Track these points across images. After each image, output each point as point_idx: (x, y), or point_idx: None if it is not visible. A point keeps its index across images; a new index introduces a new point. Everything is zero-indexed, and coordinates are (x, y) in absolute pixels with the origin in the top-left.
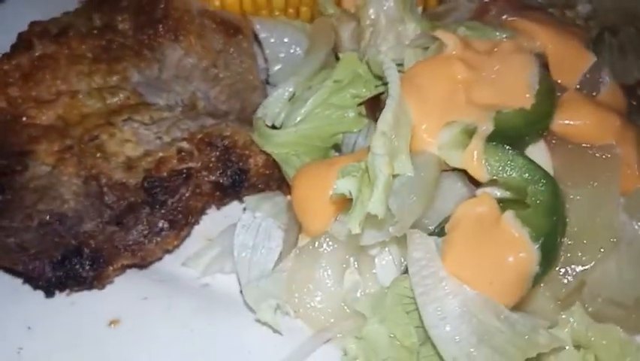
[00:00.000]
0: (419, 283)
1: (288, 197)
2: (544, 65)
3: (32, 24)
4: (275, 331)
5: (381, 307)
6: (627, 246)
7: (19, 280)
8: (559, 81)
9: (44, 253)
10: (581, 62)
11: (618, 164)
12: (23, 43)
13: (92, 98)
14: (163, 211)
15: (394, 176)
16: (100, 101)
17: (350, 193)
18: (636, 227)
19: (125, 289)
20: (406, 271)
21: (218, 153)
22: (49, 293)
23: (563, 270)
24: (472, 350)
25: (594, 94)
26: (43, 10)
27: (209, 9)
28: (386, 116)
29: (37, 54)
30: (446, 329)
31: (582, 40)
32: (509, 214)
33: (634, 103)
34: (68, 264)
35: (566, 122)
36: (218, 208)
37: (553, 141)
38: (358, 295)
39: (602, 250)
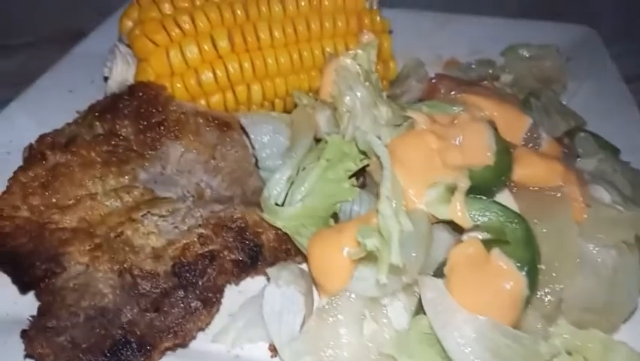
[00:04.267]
0: (436, 318)
1: (299, 265)
2: (494, 129)
3: (41, 137)
4: None
5: (406, 346)
6: (588, 264)
7: None
8: (507, 140)
9: (95, 347)
10: (521, 123)
11: (569, 200)
12: (36, 155)
13: (110, 198)
14: (197, 292)
15: None
16: (117, 201)
17: (377, 248)
18: (590, 247)
19: None
20: (417, 313)
21: (234, 234)
22: None
23: (543, 291)
24: None
25: (537, 148)
26: (38, 118)
27: (199, 109)
28: (386, 184)
29: (51, 164)
30: (467, 353)
31: (518, 106)
32: (497, 251)
33: (565, 151)
34: (119, 353)
35: (522, 172)
36: (237, 284)
37: (515, 189)
38: (379, 341)
39: (570, 269)
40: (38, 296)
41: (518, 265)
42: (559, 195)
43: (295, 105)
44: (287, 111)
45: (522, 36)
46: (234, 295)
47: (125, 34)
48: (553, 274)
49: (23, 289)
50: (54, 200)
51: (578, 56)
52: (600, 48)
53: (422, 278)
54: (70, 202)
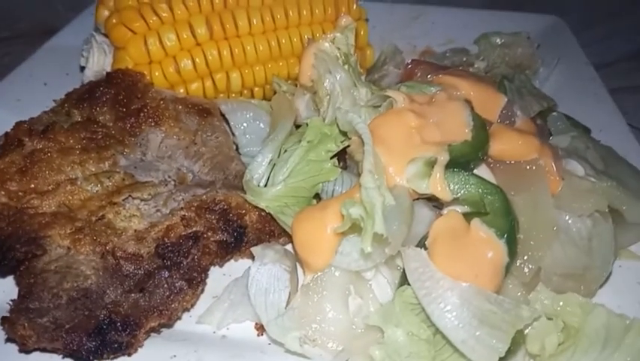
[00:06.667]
0: (420, 287)
1: (282, 246)
2: (471, 107)
3: (18, 124)
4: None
5: (392, 315)
6: (564, 233)
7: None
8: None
9: (79, 327)
10: (497, 102)
11: (544, 172)
12: (12, 142)
13: (90, 183)
14: (181, 272)
15: None
16: (98, 185)
17: (361, 217)
18: (566, 218)
19: (153, 351)
20: (400, 286)
21: (217, 216)
22: None
23: (522, 260)
24: (476, 331)
25: (512, 125)
26: (13, 110)
27: (179, 96)
28: (369, 158)
29: (28, 151)
30: (451, 319)
31: (493, 86)
32: (476, 221)
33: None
34: (104, 333)
35: (499, 146)
36: (221, 266)
37: (492, 162)
38: (364, 314)
39: (548, 238)
40: (18, 280)
41: (498, 233)
42: (534, 167)
43: (274, 93)
44: (266, 100)
45: (493, 26)
46: (219, 278)
47: (101, 23)
48: (532, 243)
49: (2, 273)
50: (32, 185)
51: (548, 44)
52: (568, 36)
53: (405, 249)
54: (50, 187)
